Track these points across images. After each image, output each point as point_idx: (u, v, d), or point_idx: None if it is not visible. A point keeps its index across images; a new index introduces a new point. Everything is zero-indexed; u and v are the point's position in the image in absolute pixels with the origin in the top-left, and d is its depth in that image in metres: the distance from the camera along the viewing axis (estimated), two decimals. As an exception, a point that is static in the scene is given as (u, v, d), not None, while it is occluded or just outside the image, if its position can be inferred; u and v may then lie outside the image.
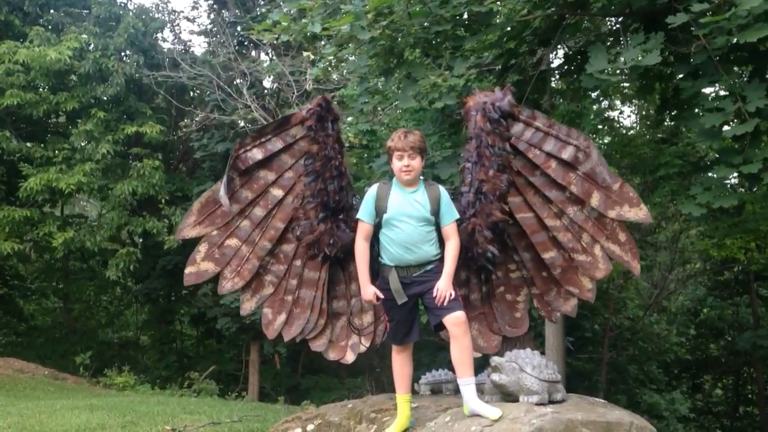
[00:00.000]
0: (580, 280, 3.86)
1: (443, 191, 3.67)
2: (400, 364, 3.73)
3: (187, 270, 4.03)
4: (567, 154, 3.73)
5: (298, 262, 4.08)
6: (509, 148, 3.80)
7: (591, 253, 3.80)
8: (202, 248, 4.02)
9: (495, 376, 3.57)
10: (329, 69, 8.31)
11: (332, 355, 4.15)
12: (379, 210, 3.62)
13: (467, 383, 3.49)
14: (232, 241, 4.01)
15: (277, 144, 3.95)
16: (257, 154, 3.93)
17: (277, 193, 4.00)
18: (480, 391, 3.62)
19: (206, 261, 4.01)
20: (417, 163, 3.59)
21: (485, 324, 4.10)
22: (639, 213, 3.71)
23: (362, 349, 4.12)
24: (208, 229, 4.00)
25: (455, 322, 3.49)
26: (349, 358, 4.14)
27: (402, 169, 3.58)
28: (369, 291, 3.66)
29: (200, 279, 4.04)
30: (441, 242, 3.66)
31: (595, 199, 3.74)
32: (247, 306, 4.09)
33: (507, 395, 3.59)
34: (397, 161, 3.58)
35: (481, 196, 3.76)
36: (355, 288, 4.10)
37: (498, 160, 3.75)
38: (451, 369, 4.02)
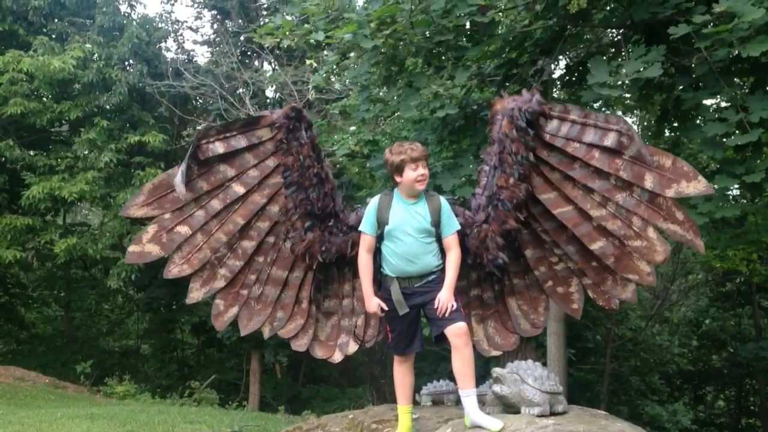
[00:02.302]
0: (637, 265, 3.71)
1: (444, 202, 3.66)
2: (402, 374, 3.72)
3: (131, 248, 3.96)
4: (610, 140, 3.56)
5: (260, 259, 4.04)
6: (533, 158, 3.72)
7: (645, 236, 3.64)
8: (151, 230, 3.95)
9: (496, 388, 3.56)
10: (331, 77, 8.34)
11: (320, 354, 4.10)
12: (381, 222, 3.62)
13: (468, 394, 3.48)
14: (183, 228, 3.94)
15: (241, 142, 3.90)
16: (219, 148, 3.87)
17: (238, 189, 3.94)
18: (481, 402, 3.61)
19: (152, 243, 3.94)
20: (427, 171, 3.62)
21: (500, 322, 4.07)
22: (698, 186, 3.49)
23: (351, 349, 4.07)
24: (155, 212, 3.93)
25: (456, 333, 3.48)
26: (337, 357, 4.09)
27: (417, 179, 3.56)
28: (373, 303, 3.66)
29: (142, 259, 3.98)
30: (442, 253, 3.65)
31: (649, 181, 3.55)
32: (194, 295, 4.03)
33: (508, 407, 3.58)
34: (411, 171, 3.55)
35: (498, 203, 3.73)
36: (348, 288, 4.10)
37: (520, 168, 3.70)
38: (453, 380, 4.01)
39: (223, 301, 4.05)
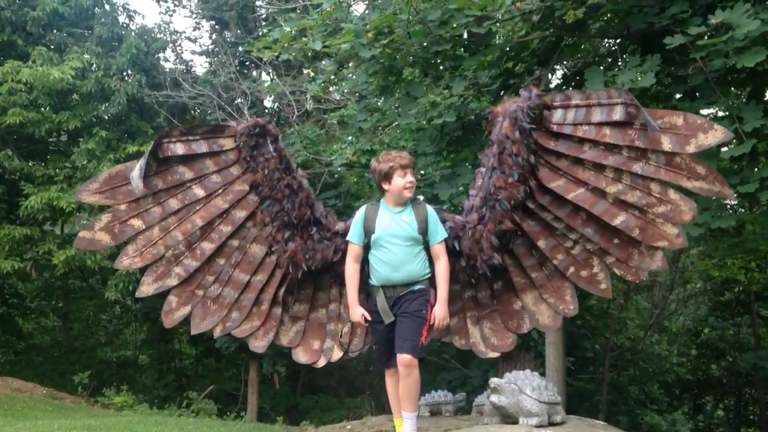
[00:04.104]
0: (663, 231, 3.63)
1: (431, 210, 3.68)
2: (394, 386, 3.70)
3: (81, 234, 3.96)
4: (618, 114, 3.53)
5: (221, 261, 4.03)
6: (533, 160, 3.71)
7: (668, 200, 3.59)
8: (104, 218, 3.95)
9: (494, 398, 3.55)
10: (329, 86, 8.36)
11: (303, 359, 4.07)
12: (368, 230, 3.63)
13: (408, 417, 3.56)
14: (136, 222, 3.95)
15: (202, 147, 3.91)
16: (178, 149, 3.89)
17: (197, 191, 3.95)
18: (480, 412, 3.61)
19: (103, 232, 3.93)
20: (414, 179, 3.64)
21: (498, 321, 3.99)
22: (716, 134, 3.40)
23: (336, 356, 4.04)
24: (107, 201, 3.94)
25: (402, 362, 3.53)
26: (321, 363, 4.07)
27: (406, 186, 3.59)
28: (357, 312, 3.66)
29: (91, 247, 4.00)
30: (431, 261, 3.65)
31: (666, 143, 3.49)
32: (145, 289, 4.02)
33: (506, 417, 3.57)
34: (400, 179, 3.58)
35: (495, 203, 3.72)
36: (335, 293, 4.08)
37: (519, 169, 3.69)
38: (450, 389, 4.01)
39: (177, 299, 4.03)
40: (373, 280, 3.66)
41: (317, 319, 4.12)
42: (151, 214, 3.95)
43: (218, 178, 3.96)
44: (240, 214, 3.97)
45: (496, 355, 4.04)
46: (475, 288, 4.01)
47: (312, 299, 4.11)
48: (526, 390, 3.51)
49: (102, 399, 13.04)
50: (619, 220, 3.66)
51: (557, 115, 3.68)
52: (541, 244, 3.87)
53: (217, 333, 4.06)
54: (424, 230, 3.60)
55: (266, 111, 14.49)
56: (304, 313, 4.11)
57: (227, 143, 3.92)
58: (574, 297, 3.92)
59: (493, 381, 3.60)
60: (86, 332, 19.00)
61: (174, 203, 3.95)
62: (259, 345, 4.07)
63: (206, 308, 4.03)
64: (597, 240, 3.78)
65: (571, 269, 3.88)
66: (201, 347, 17.33)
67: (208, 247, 4.00)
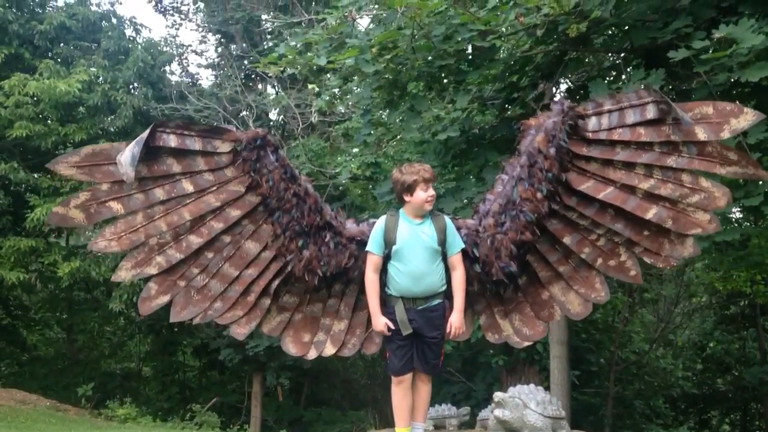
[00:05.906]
0: (696, 218, 3.66)
1: (449, 221, 3.69)
2: (400, 396, 3.69)
3: (55, 209, 3.80)
4: (651, 112, 3.58)
5: (210, 255, 3.92)
6: (564, 178, 3.71)
7: (700, 188, 3.63)
8: (82, 196, 3.78)
9: (498, 412, 3.55)
10: (334, 101, 8.41)
11: (293, 350, 3.98)
12: (388, 241, 3.64)
13: (417, 428, 3.66)
14: (115, 205, 3.79)
15: (195, 144, 3.81)
16: (171, 141, 3.77)
17: (186, 186, 3.83)
18: (483, 426, 3.61)
19: (78, 210, 3.76)
20: (434, 192, 3.69)
21: (528, 311, 3.95)
22: (748, 117, 3.47)
23: (328, 351, 3.97)
24: (83, 177, 3.78)
25: (422, 377, 3.71)
26: (311, 355, 3.98)
27: (427, 199, 3.62)
28: (380, 321, 3.66)
29: (63, 223, 3.82)
30: (446, 274, 3.67)
31: (701, 132, 3.54)
32: (121, 274, 3.88)
33: (510, 431, 3.57)
34: (422, 192, 3.61)
35: (519, 214, 3.71)
36: (337, 288, 3.99)
37: (549, 185, 3.69)
38: (455, 403, 4.00)
39: (157, 287, 3.91)
40: (392, 290, 3.66)
41: (312, 312, 4.03)
42: (133, 199, 3.81)
43: (211, 176, 3.87)
44: (234, 212, 3.88)
45: (530, 343, 4.02)
46: (497, 286, 3.95)
47: (309, 293, 4.02)
48: (531, 404, 3.51)
49: (105, 411, 13.04)
50: (651, 213, 3.68)
51: (592, 122, 3.70)
52: (567, 240, 3.85)
53: (196, 321, 3.98)
54: (443, 241, 3.63)
55: (271, 124, 14.56)
56: (293, 306, 4.03)
57: (223, 146, 3.84)
58: (603, 284, 3.90)
59: (497, 395, 3.60)
60: (90, 344, 19.02)
61: (160, 193, 3.83)
62: (240, 332, 3.99)
63: (189, 298, 3.93)
64: (627, 234, 3.78)
65: (600, 260, 3.87)
66: (204, 359, 17.34)
67: (195, 240, 3.89)
